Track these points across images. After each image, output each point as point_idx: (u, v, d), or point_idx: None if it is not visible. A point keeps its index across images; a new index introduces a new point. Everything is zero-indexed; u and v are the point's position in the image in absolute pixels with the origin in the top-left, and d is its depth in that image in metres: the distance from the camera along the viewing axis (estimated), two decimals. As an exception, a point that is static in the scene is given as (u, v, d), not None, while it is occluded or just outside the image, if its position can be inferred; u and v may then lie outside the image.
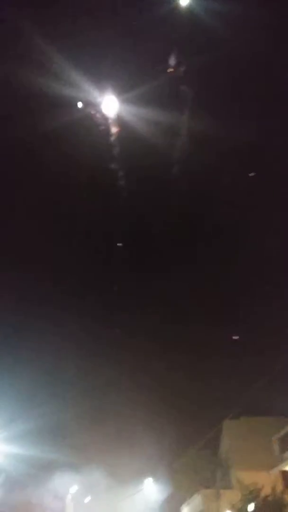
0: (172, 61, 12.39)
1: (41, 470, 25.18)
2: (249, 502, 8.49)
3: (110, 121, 14.55)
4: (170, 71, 12.34)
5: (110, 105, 14.11)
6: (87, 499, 30.33)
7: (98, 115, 14.50)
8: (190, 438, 21.97)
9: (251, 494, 8.61)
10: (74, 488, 28.42)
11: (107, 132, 14.49)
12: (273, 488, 8.77)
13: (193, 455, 17.90)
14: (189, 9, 10.95)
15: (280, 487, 9.66)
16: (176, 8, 11.16)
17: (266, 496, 8.50)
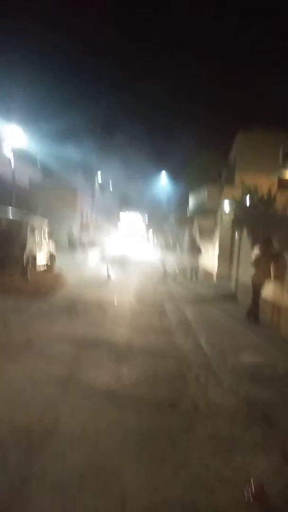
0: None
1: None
2: (247, 196, 10.62)
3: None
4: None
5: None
6: (111, 184, 36.60)
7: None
8: (205, 145, 23.99)
9: (250, 191, 10.63)
10: (100, 176, 33.81)
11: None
12: (269, 189, 10.62)
13: (206, 158, 20.18)
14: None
15: (274, 189, 11.61)
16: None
17: (262, 195, 10.52)
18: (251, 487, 2.61)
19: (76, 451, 2.92)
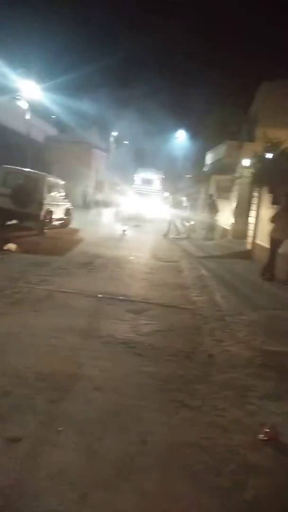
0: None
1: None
2: (269, 151, 10.23)
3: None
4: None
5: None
6: (126, 142, 35.69)
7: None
8: (225, 98, 22.86)
9: (272, 146, 10.23)
10: (115, 133, 32.93)
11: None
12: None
13: (225, 111, 19.35)
14: None
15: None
16: None
17: (285, 148, 10.11)
18: (265, 429, 2.73)
19: (98, 395, 3.08)
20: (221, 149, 18.84)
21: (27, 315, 4.65)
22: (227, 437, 2.72)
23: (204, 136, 28.20)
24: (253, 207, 12.14)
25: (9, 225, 11.80)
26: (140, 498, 2.13)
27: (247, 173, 11.96)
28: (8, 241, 9.12)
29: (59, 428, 2.61)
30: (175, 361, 3.87)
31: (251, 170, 11.69)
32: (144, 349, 4.08)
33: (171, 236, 15.40)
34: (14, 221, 11.89)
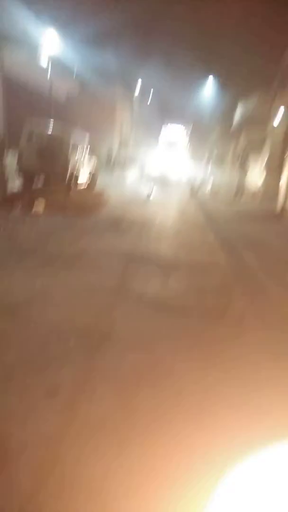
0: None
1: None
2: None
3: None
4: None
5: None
6: (151, 95, 34.37)
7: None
8: (257, 44, 21.18)
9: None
10: (139, 86, 31.71)
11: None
12: None
13: (257, 59, 18.05)
14: None
15: None
16: None
17: None
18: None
19: (130, 353, 3.12)
20: (253, 100, 17.81)
21: (60, 274, 4.72)
22: (261, 396, 2.73)
23: (235, 87, 26.68)
24: (286, 165, 11.60)
25: (35, 187, 11.82)
26: (175, 446, 2.19)
27: (280, 127, 11.30)
28: (35, 203, 9.17)
29: (96, 379, 2.69)
30: (207, 320, 3.87)
31: (285, 123, 11.03)
32: (175, 308, 4.09)
33: (198, 196, 15.07)
34: (40, 183, 11.89)
